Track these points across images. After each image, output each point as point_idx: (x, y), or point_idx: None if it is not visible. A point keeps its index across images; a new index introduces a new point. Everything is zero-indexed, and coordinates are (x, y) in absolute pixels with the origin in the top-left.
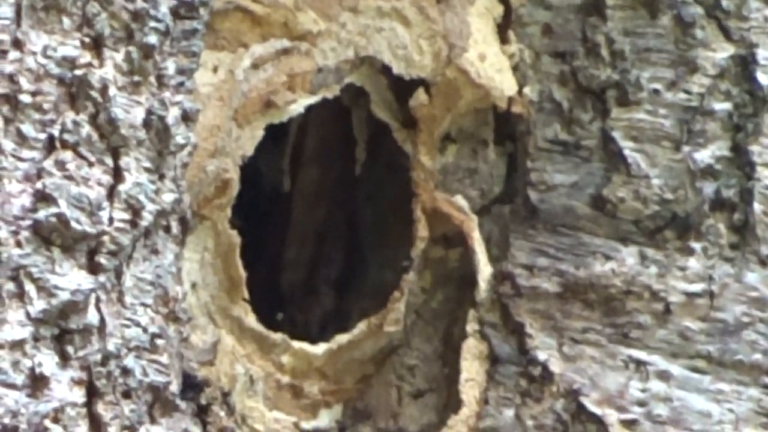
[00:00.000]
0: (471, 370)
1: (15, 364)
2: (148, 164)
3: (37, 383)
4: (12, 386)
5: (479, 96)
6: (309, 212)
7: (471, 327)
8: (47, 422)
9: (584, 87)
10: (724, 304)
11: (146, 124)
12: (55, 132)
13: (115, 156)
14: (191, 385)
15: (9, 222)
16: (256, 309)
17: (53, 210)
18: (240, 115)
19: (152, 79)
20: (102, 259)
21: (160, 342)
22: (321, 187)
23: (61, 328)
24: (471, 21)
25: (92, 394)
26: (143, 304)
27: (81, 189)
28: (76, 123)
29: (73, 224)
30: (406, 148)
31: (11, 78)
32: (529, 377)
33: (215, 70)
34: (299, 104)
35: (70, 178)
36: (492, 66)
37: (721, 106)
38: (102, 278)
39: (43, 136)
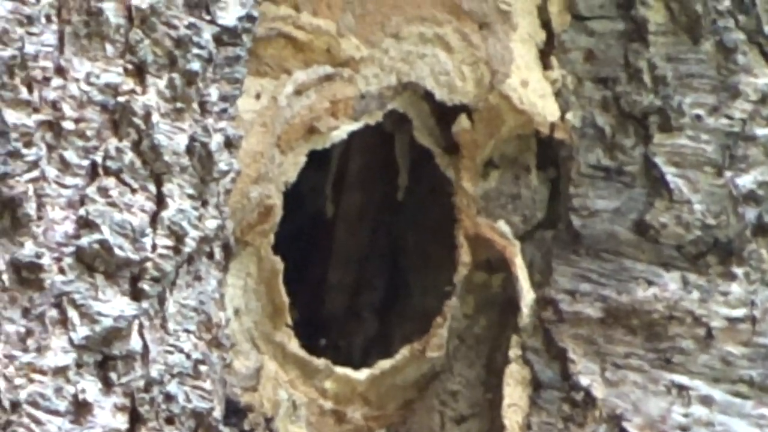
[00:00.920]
0: (514, 395)
1: (58, 391)
2: (191, 191)
3: (80, 410)
4: (55, 413)
5: (522, 122)
6: (352, 237)
7: (514, 352)
8: None
9: (626, 113)
10: (766, 329)
11: (189, 150)
12: (98, 159)
13: (158, 183)
14: (234, 411)
15: (52, 249)
16: (299, 334)
17: (96, 236)
18: (283, 141)
19: (195, 105)
20: (145, 286)
21: (203, 368)
22: (364, 213)
23: (104, 354)
24: (513, 47)
25: (135, 420)
26: (186, 330)
27: (124, 215)
28: (119, 150)
29: (116, 251)
30: (449, 173)
31: (54, 105)
32: (572, 402)
33: (258, 96)
34: (342, 130)
35: (113, 204)
36: (534, 92)
37: (763, 131)
38: (145, 304)
39: (86, 162)
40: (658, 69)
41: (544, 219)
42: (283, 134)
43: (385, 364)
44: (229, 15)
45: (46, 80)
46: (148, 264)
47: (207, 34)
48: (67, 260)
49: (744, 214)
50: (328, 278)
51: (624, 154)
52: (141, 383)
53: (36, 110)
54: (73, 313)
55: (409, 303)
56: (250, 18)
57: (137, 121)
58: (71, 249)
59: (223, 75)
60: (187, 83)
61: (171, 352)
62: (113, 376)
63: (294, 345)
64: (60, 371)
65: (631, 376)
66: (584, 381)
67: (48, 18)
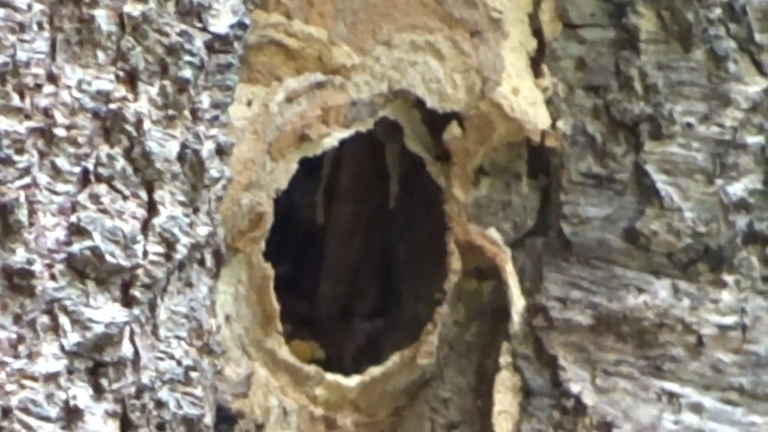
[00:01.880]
0: (504, 402)
1: (49, 397)
2: (182, 198)
3: (71, 416)
4: (46, 419)
5: (513, 129)
6: (343, 245)
7: (504, 359)
8: None
9: (617, 121)
10: (757, 336)
11: (181, 157)
12: (90, 165)
13: (150, 189)
14: (225, 418)
15: (44, 255)
16: (290, 342)
17: (88, 243)
18: (274, 149)
19: (187, 112)
20: (136, 293)
21: (194, 375)
22: (355, 221)
23: (95, 360)
24: (504, 55)
25: (126, 426)
26: (177, 337)
27: (115, 222)
28: (110, 157)
29: (108, 257)
30: (440, 181)
31: (46, 112)
32: (563, 409)
33: (249, 103)
34: (333, 138)
35: (104, 211)
36: (525, 99)
37: (754, 139)
38: (136, 311)
39: (77, 169)
40: (649, 77)
41: (534, 226)
42: (275, 141)
43: (375, 370)
44: (220, 23)
45: (38, 87)
46: (140, 271)
47: (199, 41)
48: (59, 267)
49: (735, 222)
50: (319, 286)
51: (615, 162)
52: (132, 390)
53: (28, 117)
54: (64, 320)
55: (400, 310)
56: (241, 26)
57: (129, 128)
58: (63, 255)
59: (215, 82)
60: (178, 90)
61: (162, 359)
62: (104, 382)
63: (284, 352)
64: (51, 377)
65: (621, 384)
66: (575, 388)
67: (40, 25)
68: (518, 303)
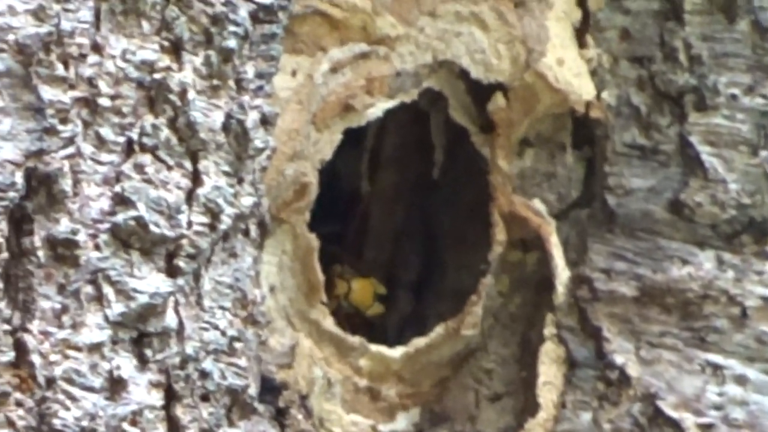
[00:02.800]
0: (548, 373)
1: (93, 367)
2: (226, 168)
3: (115, 386)
4: (90, 389)
5: (557, 100)
6: (387, 216)
7: (548, 331)
8: (125, 425)
9: (662, 92)
10: None
11: (225, 127)
12: (134, 135)
13: (194, 159)
14: (269, 389)
15: (88, 225)
16: (334, 312)
17: (132, 213)
18: (318, 119)
19: (231, 83)
20: (180, 263)
21: (238, 345)
22: (399, 191)
23: (139, 331)
24: (549, 25)
25: (170, 397)
26: (222, 308)
27: (160, 192)
28: (155, 126)
29: (152, 227)
30: (484, 152)
31: (90, 82)
32: (607, 381)
33: (294, 74)
34: (377, 108)
35: (148, 181)
36: (570, 70)
37: None
38: (180, 281)
39: (121, 139)
40: (693, 48)
41: (579, 198)
42: (319, 112)
43: (419, 342)
44: None
45: (83, 57)
46: (184, 241)
47: (243, 11)
48: (103, 237)
49: None
50: (363, 256)
51: (659, 134)
52: (176, 360)
53: (72, 87)
54: (108, 290)
55: (443, 281)
56: None
57: (173, 98)
58: (107, 225)
59: (259, 52)
60: (223, 60)
61: (206, 329)
62: (148, 352)
63: (329, 322)
64: (95, 348)
65: (665, 355)
66: (619, 360)
67: None
68: (562, 274)
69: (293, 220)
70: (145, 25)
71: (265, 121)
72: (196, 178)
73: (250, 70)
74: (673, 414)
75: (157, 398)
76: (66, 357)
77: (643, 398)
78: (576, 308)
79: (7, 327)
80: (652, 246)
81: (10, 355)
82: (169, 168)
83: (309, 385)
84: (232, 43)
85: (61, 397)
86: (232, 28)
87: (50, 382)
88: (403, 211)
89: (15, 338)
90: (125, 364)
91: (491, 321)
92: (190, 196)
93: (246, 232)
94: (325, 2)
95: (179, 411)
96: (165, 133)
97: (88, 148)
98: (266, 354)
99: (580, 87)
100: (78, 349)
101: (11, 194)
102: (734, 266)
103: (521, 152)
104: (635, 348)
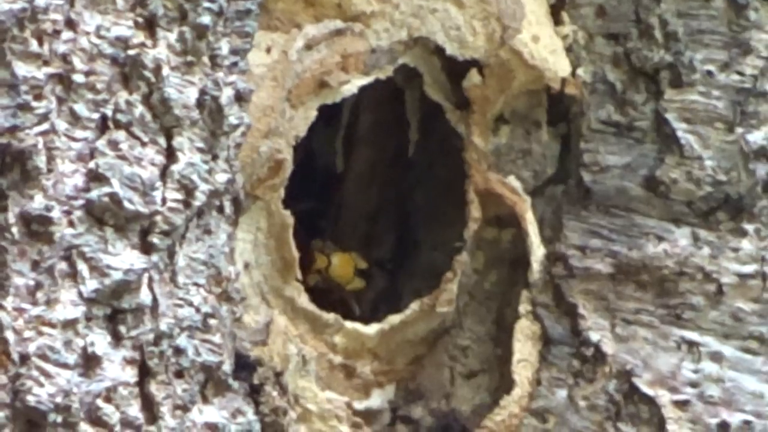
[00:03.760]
0: (524, 350)
1: (67, 344)
2: (201, 144)
3: (89, 363)
4: (64, 365)
5: (532, 77)
6: (361, 193)
7: (524, 308)
8: (99, 401)
9: (637, 68)
10: None
11: (199, 104)
12: (108, 112)
13: (168, 136)
14: (244, 365)
15: (62, 202)
16: (309, 289)
17: (106, 190)
18: (293, 96)
19: (205, 59)
20: (155, 239)
21: (212, 322)
22: (374, 168)
23: (113, 307)
24: (525, 2)
25: (145, 373)
26: (196, 284)
27: (134, 169)
28: (129, 103)
29: (126, 204)
30: (459, 129)
31: (64, 58)
32: (582, 358)
33: (269, 50)
34: (352, 85)
35: (123, 158)
36: (545, 47)
37: None
38: (155, 258)
39: (96, 116)
40: (669, 25)
41: (554, 174)
42: (294, 89)
43: (394, 319)
44: None
45: (57, 33)
46: (158, 217)
47: None
48: (77, 213)
49: (755, 170)
50: (337, 233)
51: (635, 110)
52: (150, 337)
53: (46, 63)
54: (82, 266)
55: (418, 258)
56: None
57: (147, 74)
58: (81, 202)
59: (234, 29)
60: (197, 37)
61: (180, 306)
62: (122, 329)
63: (304, 299)
64: (69, 324)
65: (641, 332)
66: (594, 337)
67: None
68: (538, 251)
69: (268, 197)
70: (120, 1)
71: (240, 98)
72: (170, 154)
73: (224, 46)
74: (649, 391)
75: (131, 375)
76: (40, 333)
77: (618, 375)
78: (551, 285)
79: None
80: (628, 223)
81: None
82: (144, 144)
83: (284, 361)
84: (206, 19)
85: (35, 373)
86: (206, 4)
87: (24, 358)
88: (378, 189)
89: None
90: (99, 340)
91: (466, 298)
92: (164, 173)
93: (220, 209)
94: None
95: (153, 387)
96: (139, 109)
97: (62, 125)
98: (241, 331)
99: (556, 64)
100: (52, 325)
101: None
102: (710, 243)
103: (496, 129)
104: (611, 325)
